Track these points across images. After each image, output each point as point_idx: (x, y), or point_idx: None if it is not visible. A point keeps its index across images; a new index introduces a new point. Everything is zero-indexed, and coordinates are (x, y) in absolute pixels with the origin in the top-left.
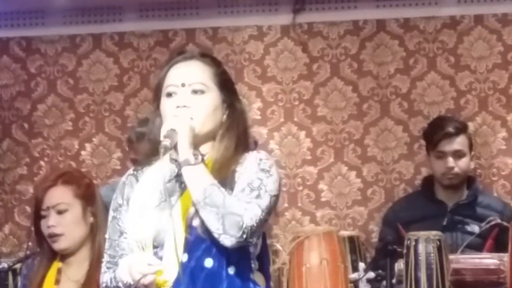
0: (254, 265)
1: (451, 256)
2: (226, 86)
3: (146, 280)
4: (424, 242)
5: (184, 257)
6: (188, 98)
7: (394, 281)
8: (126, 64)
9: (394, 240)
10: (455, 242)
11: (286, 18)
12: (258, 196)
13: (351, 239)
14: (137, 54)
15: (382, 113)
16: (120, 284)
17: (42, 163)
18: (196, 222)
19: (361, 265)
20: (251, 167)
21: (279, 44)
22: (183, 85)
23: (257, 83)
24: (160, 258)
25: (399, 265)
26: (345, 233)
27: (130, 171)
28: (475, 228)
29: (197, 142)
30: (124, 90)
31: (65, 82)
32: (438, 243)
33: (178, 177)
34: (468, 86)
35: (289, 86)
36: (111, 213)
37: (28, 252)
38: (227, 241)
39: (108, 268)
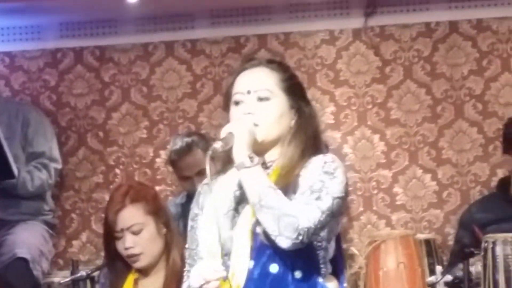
0: (326, 269)
1: None
2: (294, 91)
3: (209, 286)
4: (501, 244)
5: (250, 264)
6: (253, 105)
7: (472, 284)
8: (198, 71)
9: (470, 243)
10: None
11: (357, 22)
12: (318, 198)
13: (427, 242)
14: (209, 61)
15: (456, 115)
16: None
17: (117, 171)
18: (259, 229)
19: (438, 268)
20: (315, 171)
21: (351, 48)
22: (248, 92)
23: (330, 88)
24: (229, 266)
25: (477, 267)
26: (421, 236)
27: (205, 180)
28: None
29: (263, 149)
30: (197, 97)
31: (138, 90)
32: None
33: None
34: None
35: (362, 90)
36: (189, 223)
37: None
38: (283, 242)
39: (188, 277)
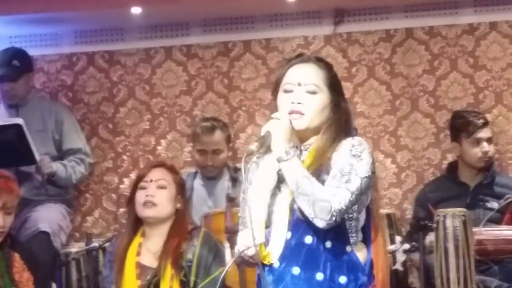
0: (356, 237)
1: (475, 229)
2: (335, 88)
3: (249, 252)
4: (451, 217)
5: (288, 235)
6: (303, 96)
7: (426, 251)
8: (193, 72)
9: (425, 217)
10: (478, 217)
11: (328, 29)
12: (348, 181)
13: (388, 216)
14: (202, 63)
15: (412, 108)
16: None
17: (124, 157)
18: (296, 206)
19: (398, 238)
20: (344, 154)
21: (322, 51)
22: (299, 84)
23: None
24: (270, 236)
25: (430, 237)
26: (383, 211)
27: (254, 158)
28: (494, 204)
29: (305, 135)
30: (192, 94)
31: (142, 88)
32: (463, 218)
33: None
34: (485, 83)
35: None
36: (241, 195)
37: (115, 233)
38: (319, 223)
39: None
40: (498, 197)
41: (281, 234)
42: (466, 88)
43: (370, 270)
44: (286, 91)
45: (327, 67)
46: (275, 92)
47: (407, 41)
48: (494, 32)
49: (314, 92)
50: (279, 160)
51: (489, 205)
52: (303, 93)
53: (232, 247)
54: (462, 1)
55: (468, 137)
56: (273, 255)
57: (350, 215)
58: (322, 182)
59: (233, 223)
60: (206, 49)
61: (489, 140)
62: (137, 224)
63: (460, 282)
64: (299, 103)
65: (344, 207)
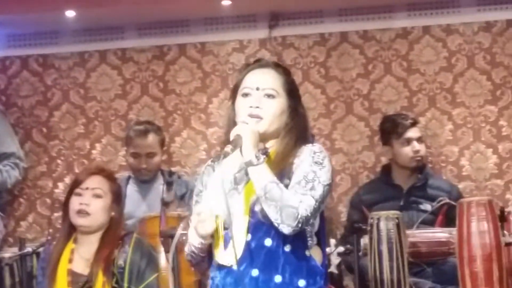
0: (312, 241)
1: (408, 231)
2: (293, 93)
3: (203, 227)
4: (385, 220)
5: (248, 237)
6: (261, 100)
7: (360, 254)
8: (128, 75)
9: (359, 219)
10: (411, 219)
11: (263, 33)
12: (312, 188)
13: None
14: (137, 66)
15: (347, 112)
16: (193, 248)
17: (58, 161)
18: (257, 208)
19: (332, 241)
20: (306, 160)
21: (257, 55)
22: (257, 88)
23: None
24: (229, 239)
25: (364, 240)
26: None
27: (209, 162)
28: (427, 206)
29: (265, 138)
30: (127, 98)
31: (76, 92)
32: (396, 220)
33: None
34: (418, 87)
35: None
36: (194, 198)
37: (48, 238)
38: (285, 229)
39: (187, 243)
40: (431, 199)
41: (240, 236)
42: (399, 92)
43: (326, 273)
44: (244, 95)
45: (285, 73)
46: (233, 97)
47: (342, 45)
48: (427, 36)
49: (272, 96)
50: (248, 165)
51: (422, 207)
52: (261, 97)
53: (166, 251)
54: (396, 6)
55: (398, 138)
56: (232, 257)
57: (306, 227)
58: (285, 186)
59: (168, 227)
60: (141, 52)
61: (419, 140)
62: (71, 230)
63: (394, 284)
64: (257, 107)
65: (309, 214)
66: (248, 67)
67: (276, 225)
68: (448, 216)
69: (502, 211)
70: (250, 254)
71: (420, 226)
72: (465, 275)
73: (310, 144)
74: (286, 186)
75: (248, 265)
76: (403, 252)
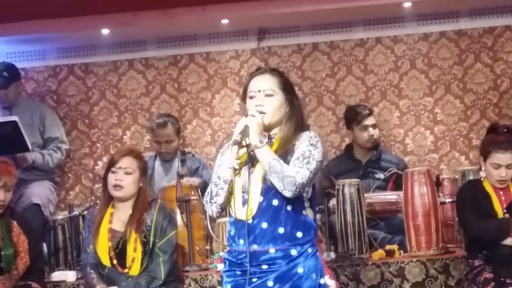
0: (307, 204)
1: (366, 195)
2: (288, 89)
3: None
4: (348, 186)
5: (260, 198)
6: (263, 99)
7: (329, 212)
8: (150, 78)
9: (328, 186)
10: (368, 185)
11: (253, 44)
12: (308, 163)
13: None
14: (157, 71)
15: (318, 104)
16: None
17: (98, 145)
18: (267, 178)
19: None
20: (304, 142)
21: (249, 61)
22: (259, 91)
23: (236, 87)
24: (246, 200)
25: (332, 202)
26: None
27: (226, 145)
28: (380, 175)
29: (270, 127)
30: (150, 95)
31: (111, 92)
32: (357, 186)
33: None
34: (373, 84)
35: None
36: (215, 169)
37: (91, 203)
38: (287, 193)
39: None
40: (383, 170)
41: (255, 198)
42: (358, 88)
43: (316, 228)
44: (250, 98)
45: (279, 74)
46: (243, 98)
47: (314, 53)
48: (379, 45)
49: (271, 95)
50: (255, 148)
51: (376, 176)
52: (263, 97)
53: (182, 212)
54: (355, 22)
55: (357, 124)
56: (248, 213)
57: (303, 192)
58: (288, 162)
59: (182, 194)
60: (160, 60)
61: (374, 126)
62: (109, 198)
63: (356, 235)
64: (260, 105)
65: (305, 182)
66: (251, 75)
67: (280, 190)
68: (396, 182)
69: (437, 178)
70: (262, 211)
71: (375, 191)
72: (410, 227)
73: (308, 131)
74: (289, 162)
75: (260, 219)
76: (362, 211)
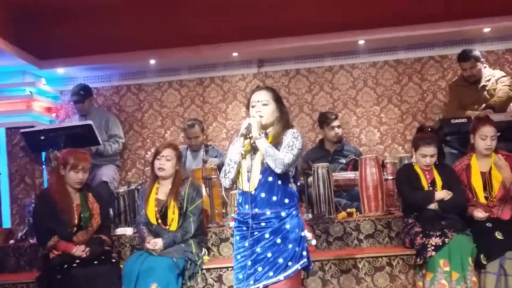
0: (291, 180)
1: (333, 174)
2: (278, 100)
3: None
4: (320, 168)
5: (260, 176)
6: (261, 107)
7: (308, 187)
8: (183, 94)
9: (307, 168)
10: (335, 167)
11: (254, 70)
12: (291, 149)
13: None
14: (188, 89)
15: (299, 111)
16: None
17: (147, 140)
18: (265, 161)
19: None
20: (289, 136)
21: (252, 82)
22: (258, 101)
23: (243, 100)
24: (249, 177)
25: (310, 179)
26: None
27: (235, 136)
28: (343, 161)
29: (266, 126)
30: (183, 106)
31: (156, 103)
32: (327, 168)
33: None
34: (338, 97)
35: None
36: (228, 155)
37: (143, 181)
38: (278, 170)
39: (224, 174)
40: (345, 156)
41: (256, 175)
42: (327, 100)
43: (297, 197)
44: (252, 106)
45: (272, 90)
46: (248, 107)
47: (296, 76)
48: (342, 70)
49: (266, 104)
50: (255, 139)
51: (340, 161)
52: (260, 106)
53: (206, 186)
54: (325, 54)
55: (327, 126)
56: (251, 186)
57: (290, 168)
58: (279, 150)
59: (206, 174)
60: (190, 81)
61: (338, 127)
62: (155, 177)
63: (326, 202)
64: (259, 111)
65: (290, 162)
66: (253, 91)
67: (273, 169)
68: (354, 165)
69: (382, 162)
70: (261, 185)
71: (339, 171)
72: (363, 196)
73: (291, 129)
74: (279, 149)
75: (259, 191)
76: (330, 185)
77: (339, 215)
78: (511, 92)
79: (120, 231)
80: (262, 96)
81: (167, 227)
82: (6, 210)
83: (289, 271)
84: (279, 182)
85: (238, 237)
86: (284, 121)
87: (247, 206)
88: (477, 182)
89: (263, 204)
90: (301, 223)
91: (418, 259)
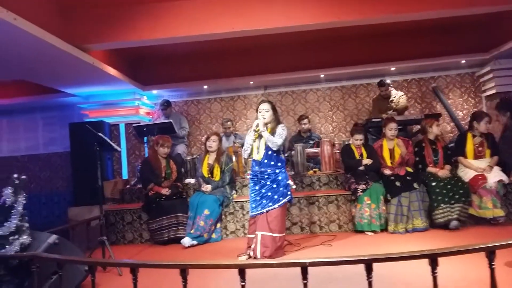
0: (282, 153)
1: (306, 150)
2: (273, 108)
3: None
4: (299, 147)
5: (264, 151)
6: (264, 113)
7: (291, 159)
8: (222, 105)
9: (291, 146)
10: (307, 146)
11: (262, 91)
12: (281, 137)
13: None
14: (225, 102)
15: (287, 115)
16: (247, 143)
17: (202, 131)
18: (267, 144)
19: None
20: (280, 129)
21: (260, 98)
22: (262, 109)
23: (255, 109)
24: (258, 152)
25: (293, 153)
26: None
27: (250, 129)
28: (311, 143)
29: (267, 123)
30: (222, 112)
31: (208, 110)
32: (302, 146)
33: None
34: (308, 107)
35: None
36: (246, 139)
37: (200, 154)
38: (275, 148)
39: (243, 150)
40: (312, 140)
41: (262, 151)
42: (303, 108)
43: (285, 162)
44: (259, 112)
45: (270, 102)
46: (257, 111)
47: (286, 94)
48: (311, 91)
49: (267, 111)
50: (261, 131)
51: (310, 142)
52: (264, 112)
53: (235, 157)
54: (300, 83)
55: (299, 122)
56: (259, 156)
57: (281, 148)
58: (274, 136)
59: (235, 149)
60: (226, 98)
61: (306, 124)
62: (207, 151)
63: (302, 165)
64: (263, 116)
65: (280, 144)
66: (260, 102)
67: (272, 147)
68: (318, 145)
69: (333, 143)
70: (265, 156)
71: (309, 148)
72: (322, 162)
73: (281, 124)
74: (274, 136)
75: (264, 158)
76: (304, 156)
77: (309, 172)
78: (407, 104)
79: (187, 180)
80: (265, 106)
81: (213, 178)
82: (125, 169)
83: (280, 203)
84: (275, 154)
85: (252, 184)
86: (276, 120)
87: (257, 167)
88: (386, 154)
89: (266, 165)
90: (287, 176)
91: (352, 197)
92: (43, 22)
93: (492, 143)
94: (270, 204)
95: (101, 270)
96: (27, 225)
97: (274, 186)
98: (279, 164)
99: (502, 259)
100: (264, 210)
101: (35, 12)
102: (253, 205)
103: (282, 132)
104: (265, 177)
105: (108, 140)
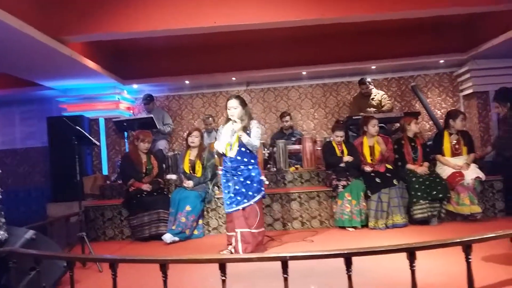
0: (256, 151)
1: (288, 146)
2: (244, 104)
3: (219, 150)
4: (281, 143)
5: (237, 148)
6: (233, 112)
7: (275, 153)
8: (204, 101)
9: (273, 143)
10: (289, 143)
11: (244, 87)
12: (257, 137)
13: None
14: (207, 98)
15: (270, 111)
16: (217, 150)
17: (184, 126)
18: (241, 141)
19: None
20: (254, 126)
21: (243, 94)
22: (231, 106)
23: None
24: (230, 150)
25: (275, 149)
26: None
27: (221, 126)
28: (293, 139)
29: (239, 119)
30: (204, 107)
31: (189, 106)
32: (284, 143)
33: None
34: (290, 103)
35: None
36: (219, 134)
37: (182, 150)
38: (252, 149)
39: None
40: (294, 137)
41: (235, 149)
42: (285, 105)
43: (257, 158)
44: (228, 109)
45: (239, 98)
46: (226, 110)
47: (268, 91)
48: (293, 88)
49: (236, 108)
50: (240, 135)
51: (292, 139)
52: (232, 109)
53: (216, 154)
54: (283, 79)
55: (282, 119)
56: (233, 153)
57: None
58: (247, 133)
59: (214, 148)
60: (208, 94)
61: (289, 120)
62: (188, 147)
63: (284, 161)
64: (232, 114)
65: (257, 145)
66: (228, 99)
67: (251, 149)
68: (300, 142)
69: (315, 140)
70: (238, 152)
71: (291, 145)
72: (304, 159)
73: (255, 121)
74: (249, 134)
75: (237, 155)
76: (286, 152)
77: (291, 169)
78: (392, 106)
79: (169, 176)
80: (233, 103)
81: (195, 174)
82: (105, 165)
83: (255, 199)
84: (248, 151)
85: (224, 180)
86: (248, 115)
87: (229, 163)
88: (366, 151)
89: (239, 162)
90: (260, 172)
91: (333, 193)
92: (20, 13)
93: (468, 141)
94: (245, 200)
95: (81, 267)
96: (3, 220)
97: (248, 182)
98: (252, 160)
99: (479, 253)
100: (240, 207)
101: (12, 2)
102: (228, 202)
103: (257, 131)
104: (238, 173)
105: (86, 134)
